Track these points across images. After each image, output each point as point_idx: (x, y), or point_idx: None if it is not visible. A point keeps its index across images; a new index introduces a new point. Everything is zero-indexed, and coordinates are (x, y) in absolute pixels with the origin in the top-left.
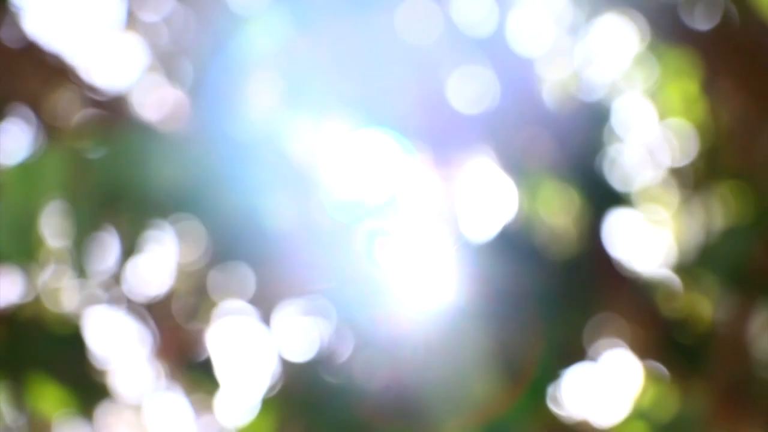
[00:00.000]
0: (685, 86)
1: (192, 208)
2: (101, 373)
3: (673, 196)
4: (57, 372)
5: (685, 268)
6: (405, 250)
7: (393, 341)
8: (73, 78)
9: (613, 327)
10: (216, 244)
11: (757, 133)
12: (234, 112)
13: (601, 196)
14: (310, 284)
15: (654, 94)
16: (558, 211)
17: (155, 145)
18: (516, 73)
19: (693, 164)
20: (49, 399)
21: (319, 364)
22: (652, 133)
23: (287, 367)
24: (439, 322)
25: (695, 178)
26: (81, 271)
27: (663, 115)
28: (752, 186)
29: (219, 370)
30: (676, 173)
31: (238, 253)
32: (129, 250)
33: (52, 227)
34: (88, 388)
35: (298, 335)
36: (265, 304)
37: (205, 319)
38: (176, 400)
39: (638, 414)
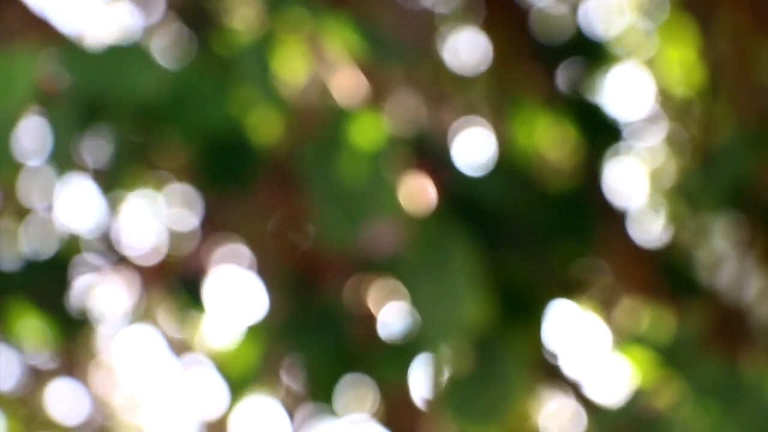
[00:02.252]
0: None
1: (174, 121)
2: (83, 301)
3: (671, 126)
4: (37, 299)
5: (682, 192)
6: (392, 168)
7: (382, 262)
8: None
9: (607, 258)
10: (199, 161)
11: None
12: (217, 24)
13: (597, 130)
14: (296, 203)
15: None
16: (553, 145)
17: (136, 55)
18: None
19: (691, 99)
20: (29, 327)
21: (307, 287)
22: (649, 68)
23: (274, 291)
24: (428, 242)
25: (693, 110)
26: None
27: (661, 50)
28: (749, 105)
29: (205, 295)
30: (674, 105)
31: (222, 171)
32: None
33: (32, 138)
34: (69, 316)
35: (283, 257)
36: (250, 225)
37: (191, 242)
38: (160, 328)
39: (635, 339)
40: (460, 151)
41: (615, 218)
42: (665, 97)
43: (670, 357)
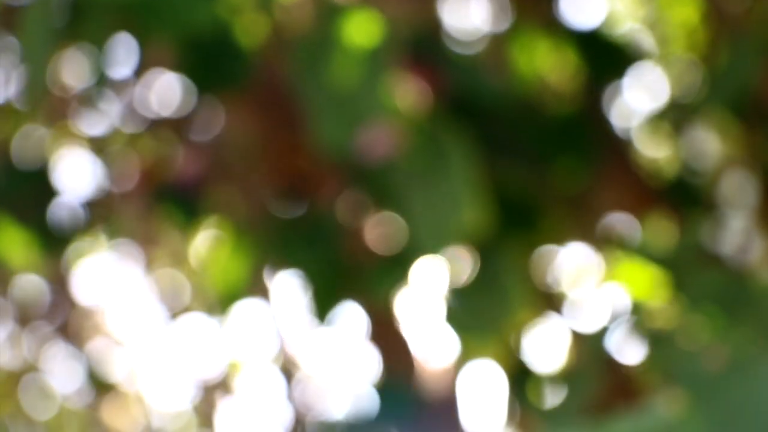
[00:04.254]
0: None
1: (161, 22)
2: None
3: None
4: (21, 213)
5: (687, 104)
6: (386, 68)
7: (377, 167)
8: None
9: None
10: (186, 63)
11: None
12: None
13: (599, 54)
14: (285, 104)
15: None
16: (555, 70)
17: None
18: None
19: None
20: (12, 242)
21: (300, 200)
22: None
23: (265, 201)
24: (425, 146)
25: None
26: (40, 91)
27: None
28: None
29: (195, 203)
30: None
31: (209, 73)
32: (96, 69)
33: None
34: (55, 231)
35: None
36: (237, 128)
37: (180, 148)
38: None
39: (635, 252)
40: (457, 48)
41: (616, 139)
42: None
43: (671, 268)
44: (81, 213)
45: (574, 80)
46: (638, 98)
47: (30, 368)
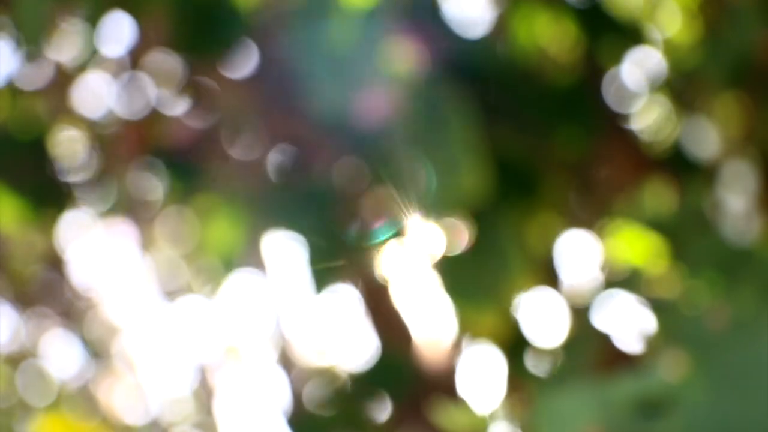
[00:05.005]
0: None
1: None
2: (64, 181)
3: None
4: (17, 179)
5: (687, 69)
6: (384, 29)
7: (374, 136)
8: None
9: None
10: (181, 27)
11: None
12: None
13: (599, 26)
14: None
15: None
16: (553, 39)
17: None
18: None
19: None
20: (7, 208)
21: (295, 164)
22: None
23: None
24: (423, 109)
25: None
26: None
27: None
28: None
29: (190, 168)
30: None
31: (204, 36)
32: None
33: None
34: (50, 197)
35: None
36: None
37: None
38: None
39: (636, 219)
40: (455, 11)
41: (614, 110)
42: None
43: (671, 234)
44: (75, 179)
45: (574, 52)
46: (638, 69)
47: (28, 353)
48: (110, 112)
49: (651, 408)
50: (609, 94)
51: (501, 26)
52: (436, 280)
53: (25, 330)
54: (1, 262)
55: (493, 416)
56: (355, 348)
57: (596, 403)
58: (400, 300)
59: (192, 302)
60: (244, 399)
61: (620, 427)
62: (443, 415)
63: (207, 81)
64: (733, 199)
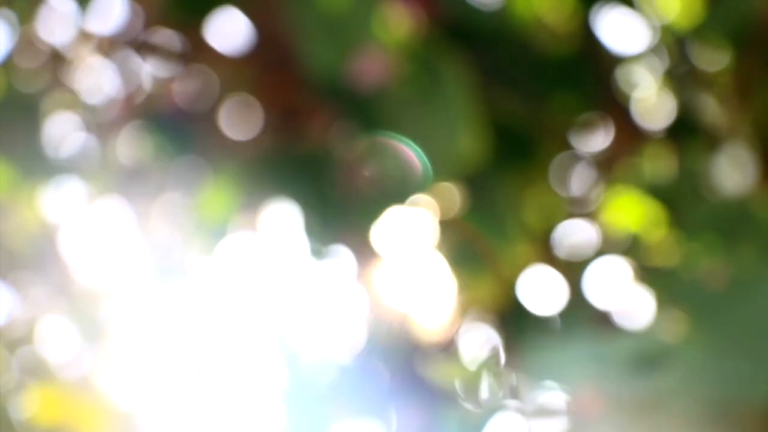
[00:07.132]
0: None
1: None
2: (54, 148)
3: None
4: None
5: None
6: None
7: (370, 99)
8: None
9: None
10: None
11: None
12: None
13: None
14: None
15: None
16: (551, 8)
17: None
18: None
19: None
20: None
21: (290, 129)
22: None
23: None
24: (420, 71)
25: None
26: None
27: None
28: None
29: (184, 133)
30: None
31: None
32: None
33: None
34: (39, 164)
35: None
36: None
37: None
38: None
39: (633, 184)
40: None
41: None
42: None
43: (669, 199)
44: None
45: (572, 21)
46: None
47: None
48: (103, 88)
49: (648, 365)
50: (606, 62)
51: None
52: (433, 247)
53: (21, 309)
54: None
55: (485, 368)
56: (351, 316)
57: (592, 360)
58: (397, 268)
59: (189, 274)
60: (241, 374)
61: (617, 383)
62: (436, 369)
63: (200, 53)
64: (732, 163)
